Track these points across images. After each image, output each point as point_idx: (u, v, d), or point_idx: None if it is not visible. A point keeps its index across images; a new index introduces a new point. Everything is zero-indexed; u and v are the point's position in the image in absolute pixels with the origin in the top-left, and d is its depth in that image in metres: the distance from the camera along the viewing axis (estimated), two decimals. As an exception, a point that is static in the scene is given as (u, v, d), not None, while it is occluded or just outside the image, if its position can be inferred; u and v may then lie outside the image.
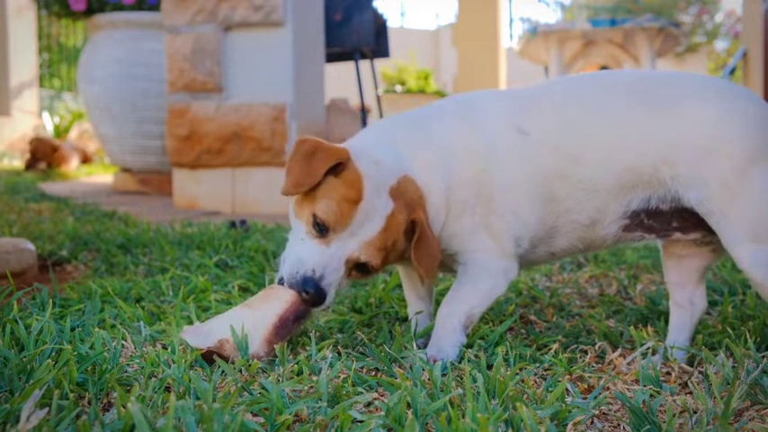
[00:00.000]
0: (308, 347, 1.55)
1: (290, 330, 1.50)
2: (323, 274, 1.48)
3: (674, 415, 1.20)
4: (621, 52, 7.27)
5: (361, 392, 1.28)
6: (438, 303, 1.87)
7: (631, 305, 2.11)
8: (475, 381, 1.33)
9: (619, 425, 1.22)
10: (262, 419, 1.16)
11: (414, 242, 1.53)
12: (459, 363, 1.51)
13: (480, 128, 1.62)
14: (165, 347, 1.57)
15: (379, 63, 9.55)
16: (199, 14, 4.52)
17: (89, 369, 1.34)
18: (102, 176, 7.99)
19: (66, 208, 4.37)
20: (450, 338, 1.58)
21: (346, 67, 7.35)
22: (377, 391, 1.34)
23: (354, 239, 1.50)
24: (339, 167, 1.50)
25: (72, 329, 1.65)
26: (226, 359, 1.45)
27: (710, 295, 2.12)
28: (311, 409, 1.19)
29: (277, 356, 1.44)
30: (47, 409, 1.07)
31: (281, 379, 1.34)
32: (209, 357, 1.46)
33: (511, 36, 19.65)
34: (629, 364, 1.53)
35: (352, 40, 6.06)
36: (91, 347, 1.47)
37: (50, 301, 1.81)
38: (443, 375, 1.41)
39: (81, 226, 3.39)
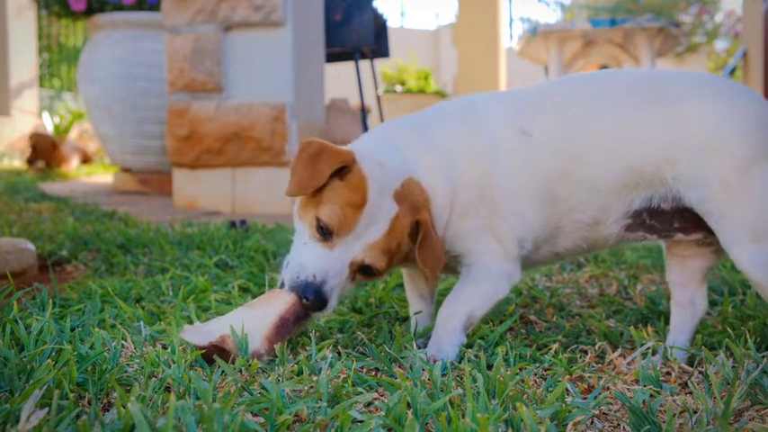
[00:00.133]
0: (308, 347, 1.55)
1: (290, 330, 1.51)
2: (324, 279, 1.48)
3: (674, 415, 1.20)
4: (621, 52, 7.27)
5: (361, 392, 1.28)
6: (439, 303, 1.88)
7: (631, 305, 2.11)
8: (475, 381, 1.33)
9: (619, 425, 1.22)
10: (262, 419, 1.16)
11: (418, 243, 1.52)
12: (459, 363, 1.51)
13: (482, 130, 1.62)
14: (165, 347, 1.57)
15: (379, 63, 9.55)
16: (199, 14, 4.52)
17: (89, 369, 1.34)
18: (102, 176, 7.99)
19: (66, 208, 4.37)
20: (450, 338, 1.58)
21: (346, 67, 7.35)
22: (377, 391, 1.34)
23: (358, 243, 1.49)
24: (344, 170, 1.50)
25: (72, 329, 1.65)
26: (228, 354, 1.45)
27: (710, 295, 2.12)
28: (311, 409, 1.19)
29: (277, 356, 1.44)
30: (47, 409, 1.07)
31: (281, 379, 1.34)
32: (209, 357, 1.46)
33: (511, 36, 19.65)
34: (629, 364, 1.53)
35: (352, 40, 6.06)
36: (91, 347, 1.47)
37: (50, 301, 1.81)
38: (443, 375, 1.41)
39: (81, 226, 3.39)
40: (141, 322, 1.72)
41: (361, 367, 1.47)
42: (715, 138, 1.49)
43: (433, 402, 1.20)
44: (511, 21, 19.94)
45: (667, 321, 1.83)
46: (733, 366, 1.43)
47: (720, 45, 14.99)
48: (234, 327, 1.47)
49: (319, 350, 1.51)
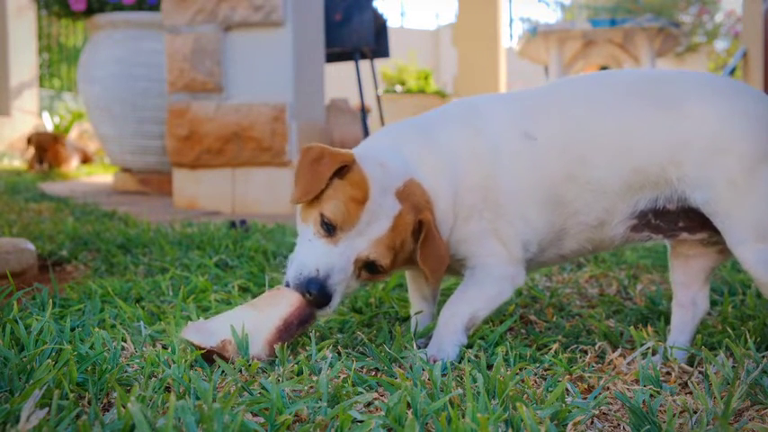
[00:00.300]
0: (308, 347, 1.55)
1: (292, 334, 1.50)
2: (329, 274, 1.48)
3: (674, 415, 1.20)
4: (621, 52, 7.27)
5: (361, 392, 1.28)
6: (441, 304, 1.88)
7: (631, 305, 2.11)
8: (475, 381, 1.33)
9: (619, 425, 1.22)
10: (262, 419, 1.16)
11: (420, 242, 1.53)
12: (459, 363, 1.51)
13: (485, 133, 1.62)
14: (165, 347, 1.57)
15: (379, 63, 9.55)
16: (199, 14, 4.52)
17: (89, 369, 1.34)
18: (102, 176, 7.99)
19: (66, 208, 4.37)
20: (451, 338, 1.58)
21: (346, 67, 7.35)
22: (377, 391, 1.34)
23: (363, 238, 1.49)
24: (344, 170, 1.51)
25: (72, 329, 1.65)
26: (226, 360, 1.45)
27: (711, 295, 2.12)
28: (311, 409, 1.19)
29: (277, 357, 1.44)
30: (47, 409, 1.07)
31: (281, 379, 1.34)
32: (209, 357, 1.46)
33: (511, 36, 19.65)
34: (629, 364, 1.53)
35: (352, 40, 6.06)
36: (91, 347, 1.47)
37: (50, 301, 1.81)
38: (443, 375, 1.41)
39: (81, 226, 3.39)
40: (141, 322, 1.72)
41: (361, 367, 1.47)
42: (720, 138, 1.49)
43: (433, 402, 1.20)
44: (511, 21, 19.95)
45: (667, 321, 1.83)
46: (733, 366, 1.43)
47: (720, 45, 14.98)
48: (235, 328, 1.47)
49: (319, 350, 1.51)
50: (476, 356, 1.52)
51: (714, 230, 1.56)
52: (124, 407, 1.10)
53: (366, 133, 6.56)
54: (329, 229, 1.49)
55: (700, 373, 1.48)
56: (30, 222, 3.58)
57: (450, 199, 1.59)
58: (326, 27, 5.80)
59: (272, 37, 4.51)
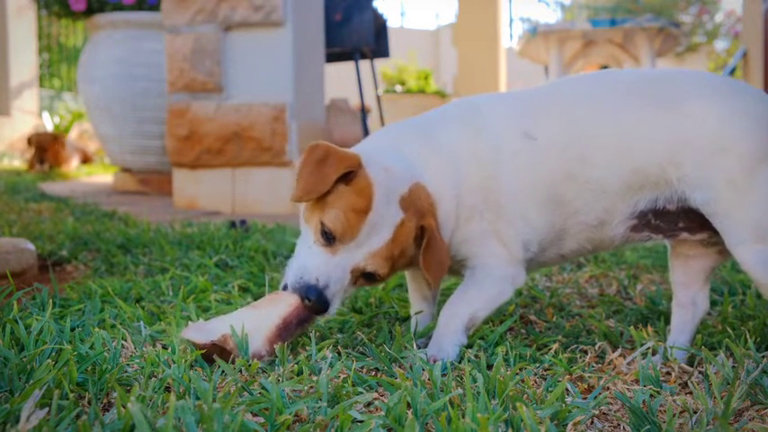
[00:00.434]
0: (308, 347, 1.55)
1: (292, 333, 1.51)
2: (327, 284, 1.48)
3: (674, 415, 1.20)
4: (621, 52, 7.27)
5: (361, 392, 1.28)
6: (441, 304, 1.88)
7: (631, 305, 2.11)
8: (475, 381, 1.33)
9: (619, 425, 1.22)
10: (262, 419, 1.16)
11: (423, 249, 1.52)
12: (460, 363, 1.51)
13: (486, 133, 1.62)
14: (165, 347, 1.57)
15: (379, 63, 9.55)
16: (199, 14, 4.52)
17: (89, 369, 1.34)
18: (102, 176, 7.99)
19: (66, 208, 4.37)
20: (451, 338, 1.58)
21: (346, 67, 7.35)
22: (377, 391, 1.34)
23: (361, 250, 1.49)
24: (350, 175, 1.49)
25: (72, 329, 1.65)
26: (228, 354, 1.45)
27: (711, 295, 2.12)
28: (311, 409, 1.19)
29: (277, 356, 1.44)
30: (47, 409, 1.07)
31: (281, 379, 1.34)
32: (209, 357, 1.46)
33: (511, 36, 19.65)
34: (629, 364, 1.53)
35: (352, 40, 6.07)
36: (91, 347, 1.47)
37: (50, 301, 1.81)
38: (443, 375, 1.41)
39: (81, 226, 3.39)
40: (141, 322, 1.72)
41: (361, 367, 1.47)
42: (721, 138, 1.49)
43: (433, 402, 1.20)
44: (511, 21, 19.95)
45: (667, 321, 1.83)
46: (733, 366, 1.43)
47: (720, 45, 14.98)
48: (235, 327, 1.47)
49: (319, 350, 1.51)
50: (476, 356, 1.52)
51: (714, 231, 1.55)
52: (124, 407, 1.10)
53: (366, 133, 6.56)
54: (329, 238, 1.48)
55: (700, 373, 1.48)
56: (30, 222, 3.58)
57: (452, 201, 1.58)
58: (326, 27, 5.80)
59: (272, 37, 4.51)
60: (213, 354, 1.46)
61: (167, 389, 1.31)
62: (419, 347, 1.63)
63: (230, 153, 4.56)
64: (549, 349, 1.61)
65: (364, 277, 1.53)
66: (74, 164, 8.64)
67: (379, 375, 1.42)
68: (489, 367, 1.48)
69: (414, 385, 1.30)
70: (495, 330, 1.68)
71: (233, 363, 1.43)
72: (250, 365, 1.39)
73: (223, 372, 1.39)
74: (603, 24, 6.95)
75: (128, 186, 5.89)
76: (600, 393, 1.33)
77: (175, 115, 4.61)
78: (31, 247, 2.42)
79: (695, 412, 1.23)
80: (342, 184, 1.49)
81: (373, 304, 2.04)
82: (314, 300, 1.46)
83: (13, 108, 10.73)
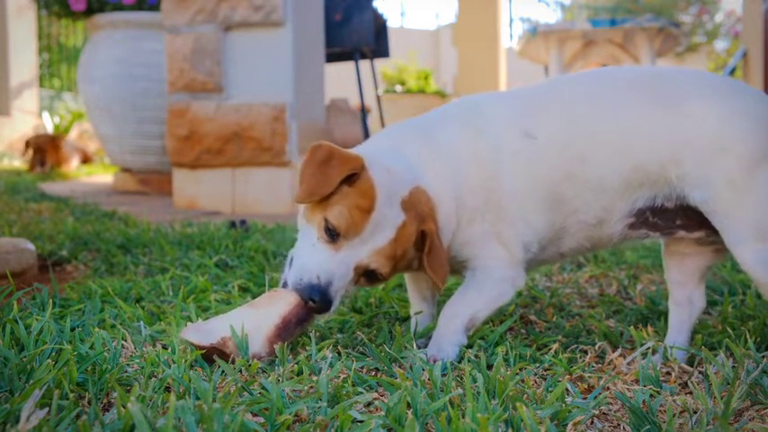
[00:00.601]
0: (308, 347, 1.55)
1: (292, 332, 1.50)
2: (330, 281, 1.48)
3: (674, 415, 1.20)
4: (621, 52, 7.27)
5: (361, 392, 1.27)
6: (440, 304, 1.88)
7: (631, 305, 2.11)
8: (475, 381, 1.33)
9: (619, 425, 1.22)
10: (262, 419, 1.16)
11: (426, 253, 1.52)
12: (459, 363, 1.51)
13: (487, 133, 1.62)
14: (165, 347, 1.57)
15: (379, 63, 9.55)
16: (199, 14, 4.52)
17: (89, 369, 1.34)
18: (102, 176, 7.99)
19: (66, 208, 4.37)
20: (451, 339, 1.58)
21: (346, 67, 7.35)
22: (377, 391, 1.34)
23: (365, 247, 1.49)
24: (353, 176, 1.49)
25: (72, 329, 1.65)
26: (227, 357, 1.45)
27: (710, 295, 2.12)
28: (311, 409, 1.19)
29: (277, 356, 1.44)
30: (47, 409, 1.07)
31: (281, 379, 1.34)
32: (209, 357, 1.46)
33: (511, 36, 19.65)
34: (629, 364, 1.53)
35: (352, 40, 6.07)
36: (91, 347, 1.47)
37: (50, 301, 1.81)
38: (443, 375, 1.41)
39: (81, 226, 3.39)
40: (141, 322, 1.72)
41: (361, 367, 1.47)
42: (721, 138, 1.49)
43: (433, 402, 1.20)
44: (511, 21, 19.95)
45: (667, 321, 1.83)
46: (733, 366, 1.43)
47: (720, 45, 14.98)
48: (235, 327, 1.47)
49: (319, 350, 1.51)
50: (476, 356, 1.52)
51: (712, 229, 1.56)
52: (124, 407, 1.10)
53: (366, 133, 6.56)
54: (333, 235, 1.48)
55: (700, 373, 1.48)
56: (30, 222, 3.58)
57: (453, 203, 1.59)
58: (326, 27, 5.80)
59: (272, 37, 4.51)
60: (213, 354, 1.46)
61: (167, 389, 1.30)
62: (419, 347, 1.63)
63: (230, 153, 4.56)
64: (549, 349, 1.61)
65: (366, 276, 1.53)
66: (74, 164, 8.64)
67: (379, 375, 1.42)
68: (489, 367, 1.48)
69: (414, 385, 1.30)
70: (495, 330, 1.68)
71: (233, 363, 1.43)
72: (250, 365, 1.39)
73: (223, 372, 1.39)
74: (603, 24, 6.95)
75: (128, 186, 5.89)
76: (600, 393, 1.33)
77: (175, 115, 4.61)
78: (31, 247, 2.42)
79: (695, 412, 1.23)
80: (345, 186, 1.49)
81: (373, 304, 2.04)
82: (317, 300, 1.46)
83: (13, 108, 10.73)
